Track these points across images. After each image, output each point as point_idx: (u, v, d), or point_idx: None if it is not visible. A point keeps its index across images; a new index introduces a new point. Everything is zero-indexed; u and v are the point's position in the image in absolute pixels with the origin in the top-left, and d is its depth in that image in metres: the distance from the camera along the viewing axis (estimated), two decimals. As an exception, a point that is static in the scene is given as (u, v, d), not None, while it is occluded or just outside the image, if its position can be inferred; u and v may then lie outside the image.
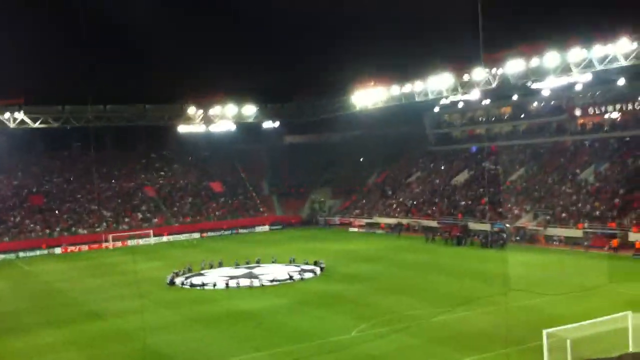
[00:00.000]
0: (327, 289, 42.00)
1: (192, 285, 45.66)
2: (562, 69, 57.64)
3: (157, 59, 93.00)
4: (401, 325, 30.77)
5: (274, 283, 45.02)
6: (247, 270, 49.85)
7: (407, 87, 74.65)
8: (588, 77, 58.92)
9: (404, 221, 76.65)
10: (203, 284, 45.40)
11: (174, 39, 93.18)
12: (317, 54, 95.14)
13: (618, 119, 70.48)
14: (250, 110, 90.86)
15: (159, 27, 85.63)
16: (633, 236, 51.83)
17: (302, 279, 46.37)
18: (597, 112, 71.24)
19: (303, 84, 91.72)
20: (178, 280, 47.25)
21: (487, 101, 79.99)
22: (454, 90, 69.90)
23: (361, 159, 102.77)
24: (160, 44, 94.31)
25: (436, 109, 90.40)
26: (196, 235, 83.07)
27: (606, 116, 70.87)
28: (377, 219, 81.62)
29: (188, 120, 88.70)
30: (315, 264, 50.62)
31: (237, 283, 45.11)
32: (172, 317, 35.93)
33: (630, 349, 23.74)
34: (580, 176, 66.43)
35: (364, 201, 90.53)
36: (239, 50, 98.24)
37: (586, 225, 56.80)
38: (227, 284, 44.77)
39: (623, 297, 33.35)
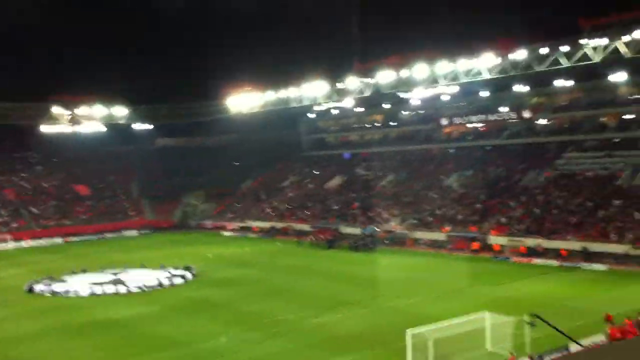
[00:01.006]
0: (198, 295, 40.84)
1: (53, 293, 42.64)
2: (430, 80, 60.23)
3: (20, 55, 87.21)
4: (274, 329, 30.45)
5: (142, 289, 43.13)
6: (113, 277, 47.33)
7: (283, 93, 74.98)
8: (454, 89, 62.16)
9: (278, 225, 76.64)
10: (65, 291, 42.57)
11: (39, 34, 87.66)
12: (193, 56, 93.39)
13: (481, 129, 74.90)
14: (121, 111, 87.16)
15: (23, 21, 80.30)
16: (492, 239, 54.99)
17: (172, 284, 44.75)
18: (462, 122, 75.36)
19: (177, 86, 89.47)
20: (38, 288, 43.89)
21: (360, 109, 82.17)
22: (329, 97, 71.04)
23: (236, 164, 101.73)
24: (24, 39, 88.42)
25: (311, 115, 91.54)
26: (59, 240, 78.00)
27: (470, 126, 75.14)
28: (250, 223, 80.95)
29: (53, 120, 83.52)
30: (186, 269, 49.04)
31: (103, 290, 42.72)
32: (34, 327, 33.15)
33: (488, 347, 24.96)
34: (446, 182, 69.78)
35: (238, 205, 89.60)
36: (110, 50, 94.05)
37: (450, 229, 59.58)
38: (91, 291, 42.30)
39: (483, 298, 35.11)
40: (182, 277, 46.86)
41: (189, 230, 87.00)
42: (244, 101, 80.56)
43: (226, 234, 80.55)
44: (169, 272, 47.66)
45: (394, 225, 64.90)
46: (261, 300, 38.50)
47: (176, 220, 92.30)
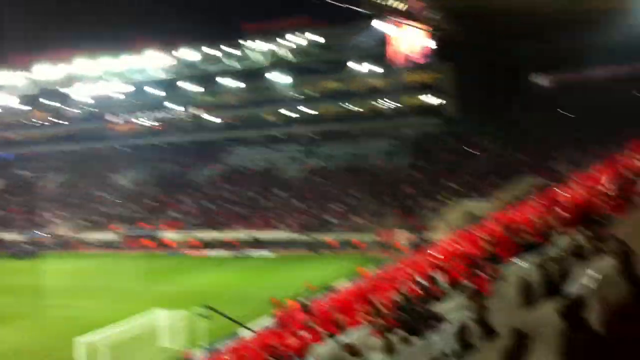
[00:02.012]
0: None
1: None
2: (99, 77, 57.50)
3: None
4: None
5: None
6: None
7: None
8: (126, 87, 60.29)
9: None
10: None
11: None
12: None
13: (154, 127, 74.02)
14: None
15: None
16: (166, 235, 54.96)
17: None
18: (133, 120, 73.44)
19: None
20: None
21: (24, 106, 74.61)
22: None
23: None
24: None
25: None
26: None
27: (142, 124, 73.69)
28: None
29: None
30: None
31: None
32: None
33: (163, 344, 24.62)
34: (117, 181, 67.48)
35: None
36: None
37: (122, 228, 57.77)
38: None
39: (159, 295, 34.47)
40: None
41: None
42: None
43: None
44: None
45: (61, 228, 60.41)
46: None
47: None
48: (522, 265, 5.57)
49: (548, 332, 2.71)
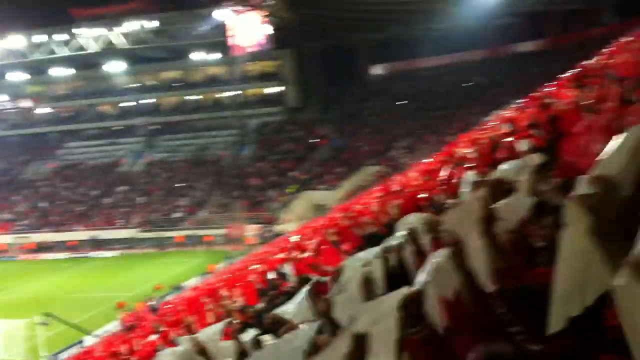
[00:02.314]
0: None
1: None
2: None
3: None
4: None
5: None
6: None
7: None
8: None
9: None
10: None
11: None
12: None
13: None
14: None
15: None
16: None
17: None
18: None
19: None
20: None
21: None
22: None
23: None
24: None
25: None
26: None
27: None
28: None
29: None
30: None
31: None
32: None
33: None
34: None
35: None
36: None
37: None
38: None
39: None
40: None
41: None
42: None
43: None
44: None
45: None
46: None
47: None
48: (363, 257, 5.72)
49: (387, 327, 2.79)
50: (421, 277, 3.00)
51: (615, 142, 1.76)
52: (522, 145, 6.55)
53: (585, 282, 1.60)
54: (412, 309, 2.43)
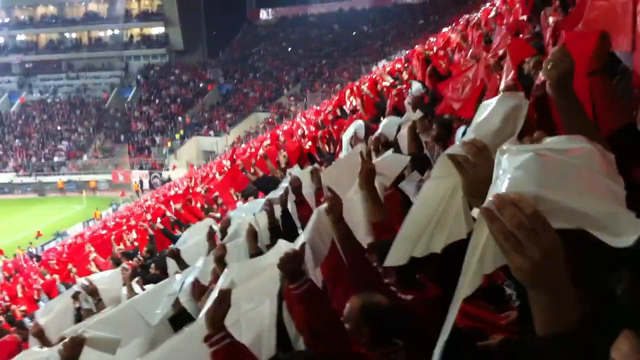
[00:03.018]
0: None
1: None
2: None
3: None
4: None
5: None
6: None
7: None
8: None
9: None
10: None
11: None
12: None
13: None
14: None
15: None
16: None
17: None
18: None
19: None
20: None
21: None
22: None
23: None
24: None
25: None
26: None
27: None
28: None
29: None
30: None
31: None
32: None
33: None
34: None
35: None
36: None
37: None
38: None
39: None
40: None
41: None
42: None
43: None
44: None
45: None
46: None
47: None
48: (248, 208, 5.84)
49: (270, 280, 2.95)
50: (303, 234, 3.10)
51: (490, 106, 1.87)
52: (406, 100, 6.79)
53: (434, 230, 1.67)
54: (291, 265, 2.56)
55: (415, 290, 2.57)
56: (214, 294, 2.56)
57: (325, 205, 2.92)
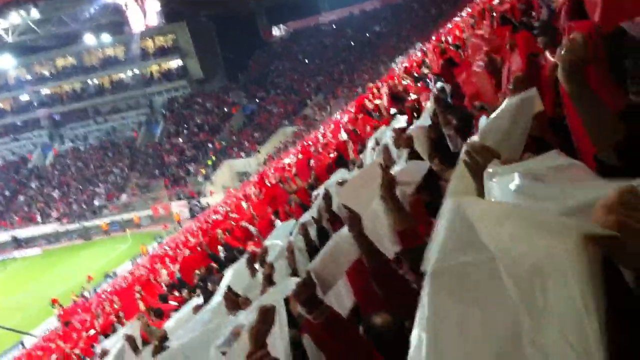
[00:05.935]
0: None
1: None
2: None
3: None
4: None
5: None
6: None
7: None
8: None
9: None
10: None
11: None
12: None
13: None
14: None
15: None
16: None
17: None
18: None
19: None
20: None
21: None
22: None
23: None
24: None
25: None
26: None
27: None
28: None
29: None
30: None
31: None
32: None
33: None
34: None
35: None
36: None
37: None
38: None
39: None
40: None
41: None
42: None
43: None
44: None
45: None
46: None
47: None
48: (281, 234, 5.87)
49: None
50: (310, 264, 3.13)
51: (499, 109, 1.94)
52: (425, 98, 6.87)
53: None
54: (306, 294, 2.47)
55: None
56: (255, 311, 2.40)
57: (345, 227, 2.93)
